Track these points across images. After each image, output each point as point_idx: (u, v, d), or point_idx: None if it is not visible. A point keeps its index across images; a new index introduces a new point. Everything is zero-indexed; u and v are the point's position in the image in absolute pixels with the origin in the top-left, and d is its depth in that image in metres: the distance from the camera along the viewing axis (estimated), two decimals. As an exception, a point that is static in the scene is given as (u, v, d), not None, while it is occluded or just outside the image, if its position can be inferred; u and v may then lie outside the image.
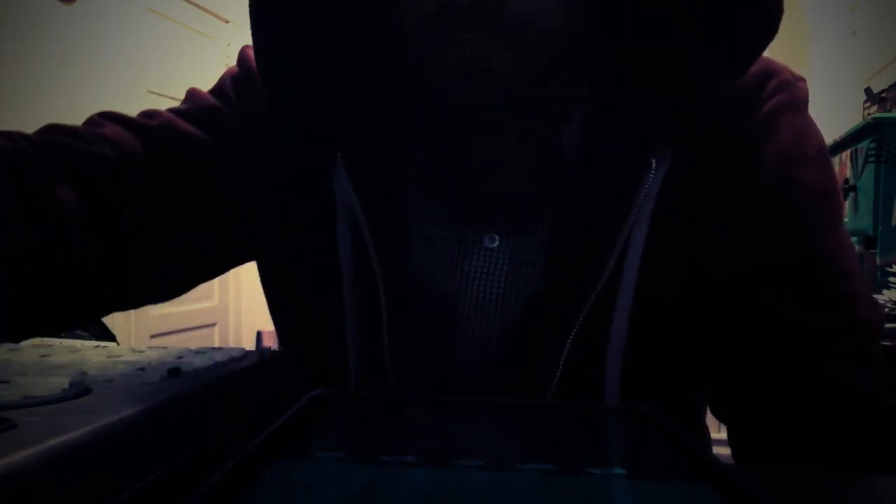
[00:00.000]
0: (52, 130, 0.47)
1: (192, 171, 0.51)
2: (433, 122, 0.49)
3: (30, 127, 0.47)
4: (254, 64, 0.47)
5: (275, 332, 0.58)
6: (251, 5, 0.45)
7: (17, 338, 0.45)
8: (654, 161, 0.43)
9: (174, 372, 0.30)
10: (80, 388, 0.26)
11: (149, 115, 0.52)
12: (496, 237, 0.48)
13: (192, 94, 0.55)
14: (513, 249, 0.48)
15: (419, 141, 0.50)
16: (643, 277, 0.44)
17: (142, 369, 0.30)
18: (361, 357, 0.47)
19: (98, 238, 0.46)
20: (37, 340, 0.41)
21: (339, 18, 0.46)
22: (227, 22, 2.96)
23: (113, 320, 2.27)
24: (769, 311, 0.45)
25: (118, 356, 0.34)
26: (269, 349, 0.41)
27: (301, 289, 0.52)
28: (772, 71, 0.47)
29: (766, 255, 0.45)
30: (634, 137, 0.44)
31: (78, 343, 0.44)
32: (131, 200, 0.48)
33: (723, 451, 0.48)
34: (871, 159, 1.65)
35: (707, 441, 0.63)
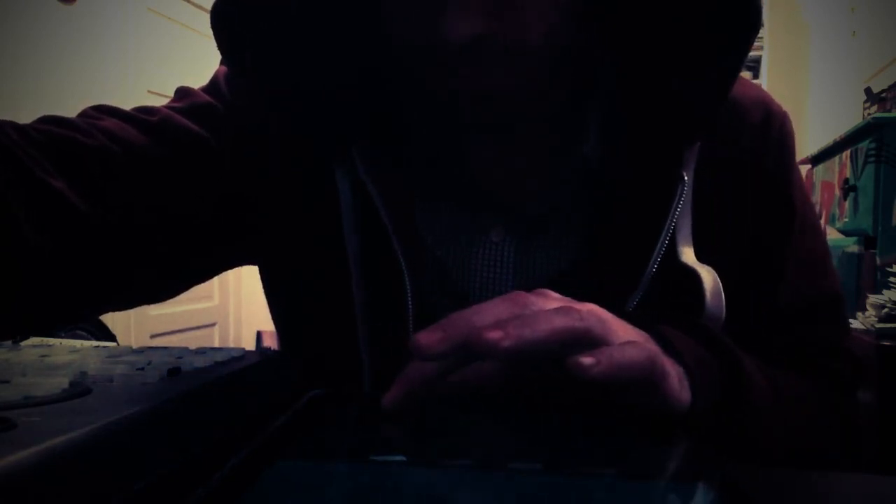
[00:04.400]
0: (48, 121, 0.45)
1: (195, 169, 0.50)
2: (434, 127, 0.49)
3: (28, 127, 0.47)
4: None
5: (275, 333, 0.58)
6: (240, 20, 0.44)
7: (12, 335, 0.43)
8: (685, 175, 0.46)
9: (174, 372, 0.30)
10: (80, 388, 0.26)
11: (146, 111, 0.50)
12: (502, 231, 0.49)
13: (184, 92, 0.54)
14: (519, 246, 0.49)
15: (423, 139, 0.50)
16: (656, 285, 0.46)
17: (142, 369, 0.30)
18: (374, 357, 0.47)
19: (96, 236, 0.44)
20: (37, 340, 0.41)
21: (341, 23, 0.46)
22: (227, 22, 2.96)
23: (113, 320, 2.27)
24: (766, 299, 0.51)
25: (118, 356, 0.34)
26: (269, 349, 0.41)
27: (306, 289, 0.52)
28: (769, 100, 0.54)
29: (770, 249, 0.51)
30: (660, 148, 0.47)
31: (78, 343, 0.44)
32: (133, 198, 0.46)
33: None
34: (871, 159, 1.64)
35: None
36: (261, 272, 0.56)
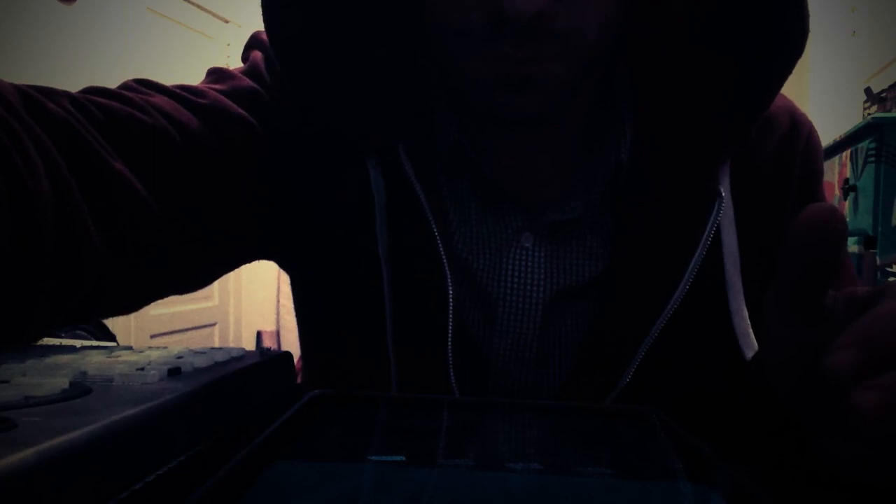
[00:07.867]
0: (99, 93, 0.41)
1: (242, 155, 0.47)
2: (470, 122, 0.49)
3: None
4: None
5: (275, 333, 0.57)
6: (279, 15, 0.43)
7: (56, 330, 0.39)
8: (723, 190, 0.45)
9: (174, 372, 0.30)
10: (80, 388, 0.26)
11: (193, 90, 0.46)
12: (531, 235, 0.48)
13: (223, 73, 0.50)
14: (549, 250, 0.48)
15: (457, 137, 0.49)
16: (690, 300, 0.45)
17: (142, 369, 0.30)
18: (402, 358, 0.46)
19: (155, 225, 0.41)
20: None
21: (380, 17, 0.46)
22: (227, 22, 2.96)
23: (113, 320, 2.27)
24: None
25: (118, 356, 0.33)
26: (269, 349, 0.41)
27: (332, 288, 0.51)
28: (794, 108, 0.53)
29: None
30: (691, 161, 0.46)
31: (78, 343, 0.44)
32: (186, 184, 0.43)
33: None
34: (871, 159, 1.65)
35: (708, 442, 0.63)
36: (286, 269, 0.56)
